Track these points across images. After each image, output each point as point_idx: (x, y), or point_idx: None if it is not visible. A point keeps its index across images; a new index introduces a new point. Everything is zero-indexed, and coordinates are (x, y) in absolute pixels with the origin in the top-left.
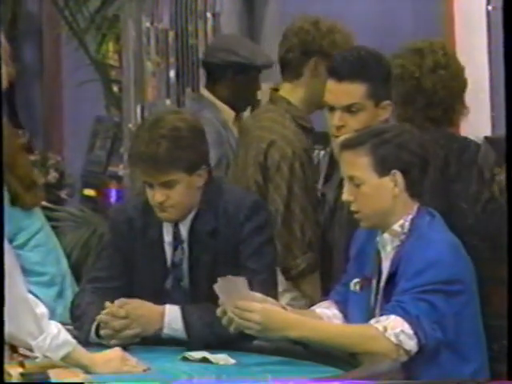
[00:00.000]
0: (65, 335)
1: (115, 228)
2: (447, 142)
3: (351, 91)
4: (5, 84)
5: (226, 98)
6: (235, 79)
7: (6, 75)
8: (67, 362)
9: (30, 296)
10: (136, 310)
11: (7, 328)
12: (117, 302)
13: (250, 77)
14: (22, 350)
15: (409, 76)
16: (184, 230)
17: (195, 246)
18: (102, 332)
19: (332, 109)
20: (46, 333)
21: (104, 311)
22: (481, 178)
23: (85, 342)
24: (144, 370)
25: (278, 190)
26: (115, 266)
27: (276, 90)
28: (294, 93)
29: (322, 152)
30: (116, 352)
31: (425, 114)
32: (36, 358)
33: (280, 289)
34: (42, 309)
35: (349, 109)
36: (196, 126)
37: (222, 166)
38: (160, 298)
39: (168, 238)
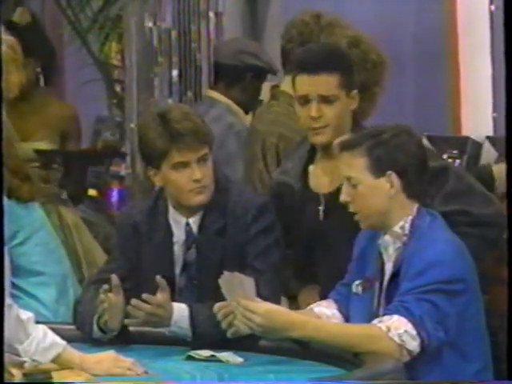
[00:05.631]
0: (52, 337)
1: (121, 232)
2: None
3: (328, 81)
4: (15, 91)
5: (238, 101)
6: (252, 83)
7: (18, 83)
8: (59, 363)
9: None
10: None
11: None
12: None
13: (262, 81)
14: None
15: None
16: (195, 228)
17: (204, 244)
18: (101, 321)
19: (307, 101)
20: (32, 337)
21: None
22: None
23: (89, 340)
24: (138, 374)
25: None
26: (120, 269)
27: (276, 86)
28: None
29: None
30: (109, 354)
31: None
32: (24, 362)
33: None
34: (27, 313)
35: (326, 99)
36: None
37: None
38: (172, 297)
39: (180, 237)
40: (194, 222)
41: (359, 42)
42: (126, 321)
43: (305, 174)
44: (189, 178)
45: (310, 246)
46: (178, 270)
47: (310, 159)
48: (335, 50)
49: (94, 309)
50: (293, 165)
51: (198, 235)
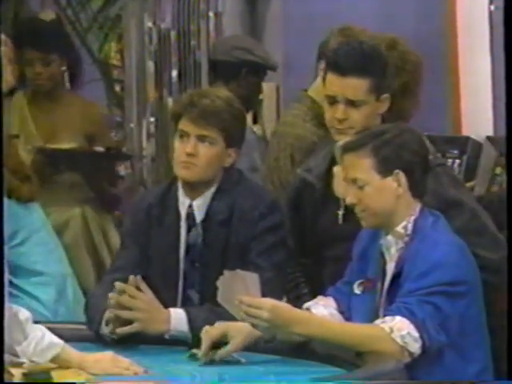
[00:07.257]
0: (50, 338)
1: (135, 215)
2: None
3: (356, 86)
4: (11, 82)
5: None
6: (247, 79)
7: (11, 73)
8: (57, 363)
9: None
10: (143, 304)
11: None
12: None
13: (259, 77)
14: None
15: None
16: (199, 214)
17: (207, 232)
18: (105, 316)
19: (334, 101)
20: (30, 337)
21: (111, 300)
22: None
23: (96, 334)
24: (136, 373)
25: None
26: (132, 256)
27: (305, 90)
28: (318, 91)
29: None
30: (107, 354)
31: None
32: (22, 363)
33: None
34: (25, 314)
35: (353, 103)
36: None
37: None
38: (176, 279)
39: (184, 220)
40: (197, 205)
41: (396, 44)
42: (119, 330)
43: (328, 174)
44: (183, 149)
45: (323, 248)
46: (182, 252)
47: (335, 159)
48: (370, 52)
49: (105, 304)
50: (316, 163)
51: (200, 222)
